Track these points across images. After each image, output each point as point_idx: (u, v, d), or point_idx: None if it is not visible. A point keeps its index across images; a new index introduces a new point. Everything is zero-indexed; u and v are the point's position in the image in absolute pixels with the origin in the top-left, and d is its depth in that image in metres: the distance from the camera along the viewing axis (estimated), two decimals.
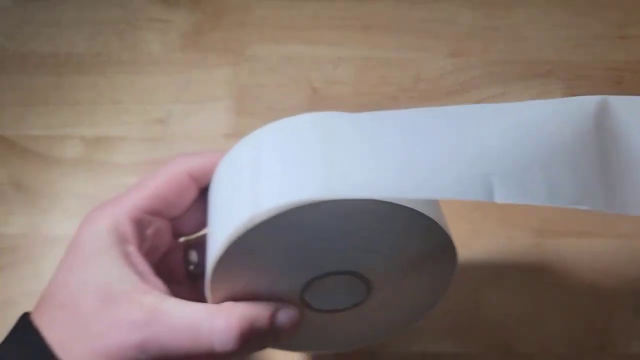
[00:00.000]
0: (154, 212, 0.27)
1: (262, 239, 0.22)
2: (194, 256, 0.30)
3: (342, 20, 0.43)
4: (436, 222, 0.23)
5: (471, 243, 0.37)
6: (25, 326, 0.26)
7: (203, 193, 0.28)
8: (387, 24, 0.43)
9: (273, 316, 0.26)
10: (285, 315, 0.26)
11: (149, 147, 0.40)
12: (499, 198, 0.21)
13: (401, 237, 0.24)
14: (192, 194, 0.28)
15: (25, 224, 0.38)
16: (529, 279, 0.36)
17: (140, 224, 0.27)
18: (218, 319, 0.24)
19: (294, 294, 0.26)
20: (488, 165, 0.21)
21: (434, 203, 0.24)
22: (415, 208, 0.22)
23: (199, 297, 0.26)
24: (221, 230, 0.23)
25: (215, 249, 0.23)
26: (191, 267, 0.30)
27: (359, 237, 0.23)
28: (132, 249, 0.26)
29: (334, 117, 0.23)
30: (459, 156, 0.21)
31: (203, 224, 0.29)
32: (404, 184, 0.20)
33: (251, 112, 0.41)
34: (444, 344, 0.35)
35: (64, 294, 0.25)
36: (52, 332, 0.25)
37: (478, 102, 0.41)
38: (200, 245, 0.29)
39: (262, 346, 0.26)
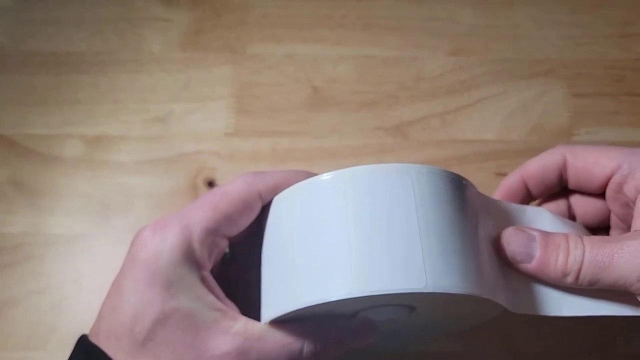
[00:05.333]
0: (223, 234, 0.26)
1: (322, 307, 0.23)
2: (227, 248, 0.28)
3: (342, 19, 0.43)
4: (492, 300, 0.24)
5: None
6: None
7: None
8: (387, 23, 0.43)
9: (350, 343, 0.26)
10: (360, 331, 0.27)
11: (149, 146, 0.40)
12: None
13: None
14: (255, 214, 0.27)
15: (25, 224, 0.38)
16: None
17: (211, 248, 0.26)
18: (308, 343, 0.25)
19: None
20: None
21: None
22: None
23: (227, 280, 0.27)
24: (288, 290, 0.24)
25: (278, 306, 0.24)
26: (225, 256, 0.29)
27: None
28: (207, 273, 0.25)
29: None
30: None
31: (248, 234, 0.28)
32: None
33: (251, 111, 0.41)
34: (445, 343, 0.35)
35: (140, 328, 0.24)
36: None
37: (479, 100, 0.41)
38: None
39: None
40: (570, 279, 0.25)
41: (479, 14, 0.44)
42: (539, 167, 0.30)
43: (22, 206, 0.39)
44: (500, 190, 0.32)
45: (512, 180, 0.31)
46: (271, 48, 0.43)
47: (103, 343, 0.24)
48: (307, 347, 0.25)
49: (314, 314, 0.24)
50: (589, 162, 0.29)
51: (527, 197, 0.31)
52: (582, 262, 0.25)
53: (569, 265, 0.25)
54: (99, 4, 0.44)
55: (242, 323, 0.25)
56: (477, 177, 0.39)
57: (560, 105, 0.41)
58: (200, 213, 0.25)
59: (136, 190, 0.39)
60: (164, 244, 0.24)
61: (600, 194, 0.30)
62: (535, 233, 0.26)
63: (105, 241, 0.38)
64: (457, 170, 0.40)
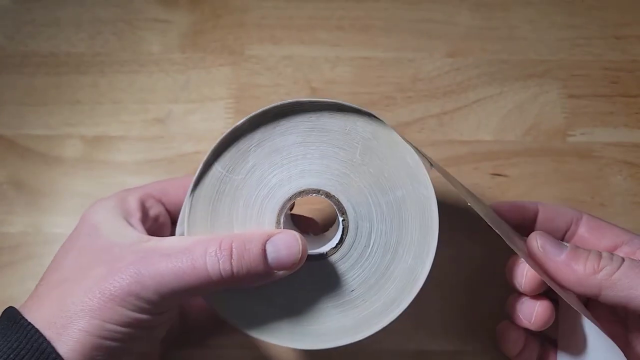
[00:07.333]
0: (157, 198, 0.31)
1: (243, 146, 0.28)
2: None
3: (340, 21, 0.44)
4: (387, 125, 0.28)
5: (467, 242, 0.38)
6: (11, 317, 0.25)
7: None
8: (385, 24, 0.44)
9: (267, 237, 0.25)
10: (281, 238, 0.25)
11: (148, 146, 0.40)
12: None
13: (362, 148, 0.29)
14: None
15: (25, 223, 0.38)
16: None
17: (143, 204, 0.30)
18: (212, 242, 0.24)
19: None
20: None
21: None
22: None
23: None
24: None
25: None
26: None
27: (325, 151, 0.28)
28: (135, 220, 0.28)
29: None
30: None
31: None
32: None
33: (250, 112, 0.41)
34: (440, 342, 0.36)
35: (63, 268, 0.26)
36: (44, 306, 0.25)
37: (476, 101, 0.41)
38: None
39: (258, 277, 0.25)
40: (604, 274, 0.26)
41: (476, 16, 0.44)
42: (554, 211, 0.32)
43: (22, 206, 0.39)
44: (511, 204, 0.33)
45: (528, 205, 0.33)
46: (269, 49, 0.43)
47: (37, 289, 0.27)
48: (211, 246, 0.24)
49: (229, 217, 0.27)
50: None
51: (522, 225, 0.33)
52: (621, 263, 0.26)
53: (602, 262, 0.26)
54: (98, 5, 0.44)
55: (155, 240, 0.26)
56: (474, 177, 0.39)
57: (556, 106, 0.41)
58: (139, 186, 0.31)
59: None
60: (100, 201, 0.29)
61: None
62: (565, 243, 0.28)
63: None
64: (453, 170, 0.40)
